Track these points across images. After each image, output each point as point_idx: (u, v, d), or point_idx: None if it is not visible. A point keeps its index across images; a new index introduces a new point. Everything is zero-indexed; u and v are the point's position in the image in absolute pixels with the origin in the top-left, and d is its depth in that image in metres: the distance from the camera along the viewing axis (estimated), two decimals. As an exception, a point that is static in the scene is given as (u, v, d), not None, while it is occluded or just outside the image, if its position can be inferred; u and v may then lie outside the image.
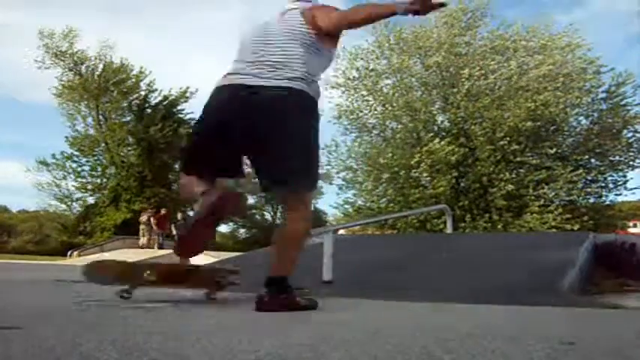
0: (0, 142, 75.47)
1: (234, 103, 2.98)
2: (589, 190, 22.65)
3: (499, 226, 20.58)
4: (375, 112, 24.60)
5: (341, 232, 13.15)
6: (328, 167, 26.43)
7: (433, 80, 23.78)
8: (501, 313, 3.23)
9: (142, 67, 40.35)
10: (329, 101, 24.37)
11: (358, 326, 2.46)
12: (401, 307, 3.55)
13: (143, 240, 25.16)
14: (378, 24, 23.56)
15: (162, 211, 25.96)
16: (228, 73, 3.12)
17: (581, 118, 23.51)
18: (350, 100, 24.59)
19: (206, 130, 3.15)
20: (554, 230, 19.47)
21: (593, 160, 23.06)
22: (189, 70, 73.60)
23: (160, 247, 24.03)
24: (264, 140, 2.94)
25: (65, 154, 40.26)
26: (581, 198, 22.37)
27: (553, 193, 21.35)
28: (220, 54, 77.19)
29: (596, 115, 23.11)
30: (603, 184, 23.10)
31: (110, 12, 65.59)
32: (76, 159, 40.64)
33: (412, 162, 21.75)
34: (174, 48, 74.44)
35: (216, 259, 13.14)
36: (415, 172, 21.78)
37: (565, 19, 50.25)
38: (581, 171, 21.60)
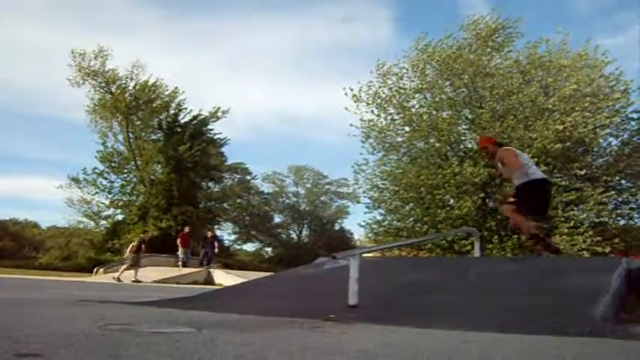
0: (35, 159, 76.95)
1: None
2: (619, 211, 22.27)
3: (527, 248, 20.29)
4: (402, 131, 24.57)
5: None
6: (355, 186, 26.44)
7: (463, 100, 23.76)
8: (532, 344, 3.12)
9: (175, 87, 40.98)
10: (360, 118, 24.46)
11: (384, 358, 2.39)
12: (428, 335, 3.46)
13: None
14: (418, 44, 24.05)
15: (186, 229, 26.04)
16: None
17: (611, 139, 23.19)
18: (378, 119, 24.59)
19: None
20: (584, 252, 19.14)
21: (623, 182, 22.66)
22: (228, 90, 74.80)
23: (184, 265, 24.07)
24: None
25: (96, 171, 40.83)
26: (611, 220, 21.97)
27: (583, 215, 21.01)
28: (263, 76, 78.19)
29: (626, 135, 22.79)
30: (634, 206, 22.68)
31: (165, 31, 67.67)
32: (106, 175, 41.21)
33: (436, 182, 21.65)
34: (218, 68, 76.07)
35: (243, 279, 13.12)
36: (439, 194, 21.65)
37: (607, 44, 50.21)
38: (611, 192, 21.24)
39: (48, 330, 3.03)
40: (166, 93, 40.83)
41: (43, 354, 2.01)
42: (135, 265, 20.30)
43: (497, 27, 24.25)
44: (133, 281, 19.10)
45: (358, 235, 44.94)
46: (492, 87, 22.28)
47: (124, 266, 20.59)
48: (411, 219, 23.19)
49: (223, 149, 44.42)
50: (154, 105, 40.72)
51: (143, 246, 21.00)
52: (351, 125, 24.86)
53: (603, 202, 20.85)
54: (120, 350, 2.29)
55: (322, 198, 60.90)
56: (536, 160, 20.59)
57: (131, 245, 21.22)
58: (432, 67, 24.12)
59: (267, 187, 58.35)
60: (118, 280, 19.33)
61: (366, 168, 24.98)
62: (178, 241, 25.08)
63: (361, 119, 24.55)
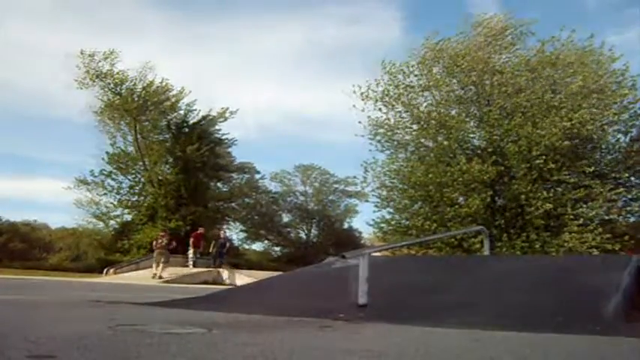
0: (44, 161, 77.29)
1: None
2: (629, 208, 22.14)
3: (537, 246, 20.20)
4: (410, 129, 24.52)
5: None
6: (364, 184, 26.32)
7: (471, 97, 23.70)
8: (542, 342, 3.12)
9: (182, 87, 40.96)
10: (368, 116, 24.41)
11: (394, 358, 2.40)
12: (438, 334, 3.46)
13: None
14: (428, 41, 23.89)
15: (200, 230, 26.09)
16: None
17: (619, 135, 23.05)
18: (386, 116, 24.51)
19: None
20: (594, 250, 19.06)
21: (632, 178, 22.51)
22: (237, 90, 74.82)
23: (195, 265, 24.09)
24: None
25: (104, 172, 40.94)
26: (621, 217, 21.87)
27: (592, 212, 20.90)
28: (271, 76, 78.22)
29: (634, 131, 22.66)
30: (644, 202, 22.53)
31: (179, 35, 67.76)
32: (114, 176, 41.28)
33: (444, 180, 21.61)
34: (226, 68, 76.18)
35: (253, 279, 13.14)
36: (447, 192, 21.60)
37: (616, 40, 49.70)
38: (620, 189, 21.13)
39: (60, 331, 3.05)
40: (172, 93, 40.81)
41: (57, 355, 2.03)
42: (165, 261, 20.60)
43: (506, 26, 24.21)
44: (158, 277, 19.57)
45: (367, 233, 44.83)
46: (500, 84, 22.20)
47: (162, 265, 20.68)
48: (420, 217, 23.11)
49: (231, 149, 44.46)
50: (163, 106, 40.72)
51: (174, 243, 21.19)
52: (359, 122, 24.76)
53: (612, 199, 20.75)
54: (131, 351, 2.30)
55: (330, 197, 60.70)
56: (544, 157, 20.49)
57: (155, 242, 21.51)
58: (440, 65, 24.07)
59: (275, 187, 58.28)
60: (159, 277, 19.81)
61: (375, 167, 24.90)
62: (191, 240, 25.11)
63: (369, 117, 24.51)
